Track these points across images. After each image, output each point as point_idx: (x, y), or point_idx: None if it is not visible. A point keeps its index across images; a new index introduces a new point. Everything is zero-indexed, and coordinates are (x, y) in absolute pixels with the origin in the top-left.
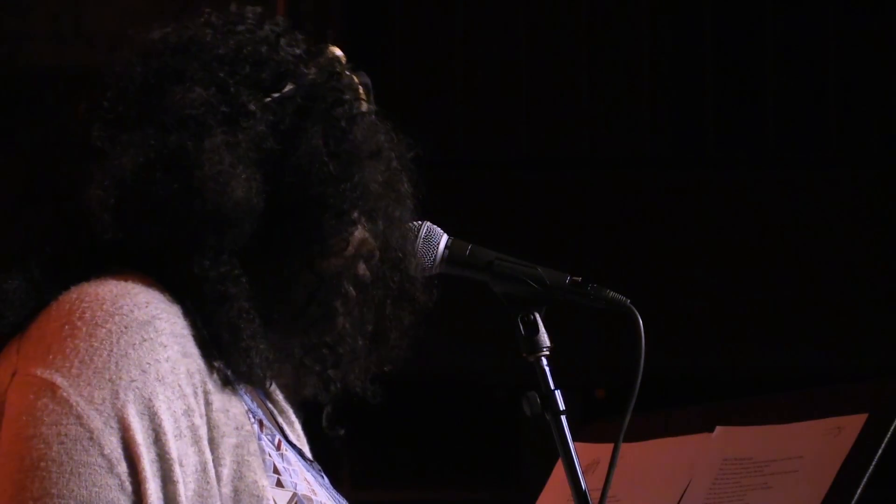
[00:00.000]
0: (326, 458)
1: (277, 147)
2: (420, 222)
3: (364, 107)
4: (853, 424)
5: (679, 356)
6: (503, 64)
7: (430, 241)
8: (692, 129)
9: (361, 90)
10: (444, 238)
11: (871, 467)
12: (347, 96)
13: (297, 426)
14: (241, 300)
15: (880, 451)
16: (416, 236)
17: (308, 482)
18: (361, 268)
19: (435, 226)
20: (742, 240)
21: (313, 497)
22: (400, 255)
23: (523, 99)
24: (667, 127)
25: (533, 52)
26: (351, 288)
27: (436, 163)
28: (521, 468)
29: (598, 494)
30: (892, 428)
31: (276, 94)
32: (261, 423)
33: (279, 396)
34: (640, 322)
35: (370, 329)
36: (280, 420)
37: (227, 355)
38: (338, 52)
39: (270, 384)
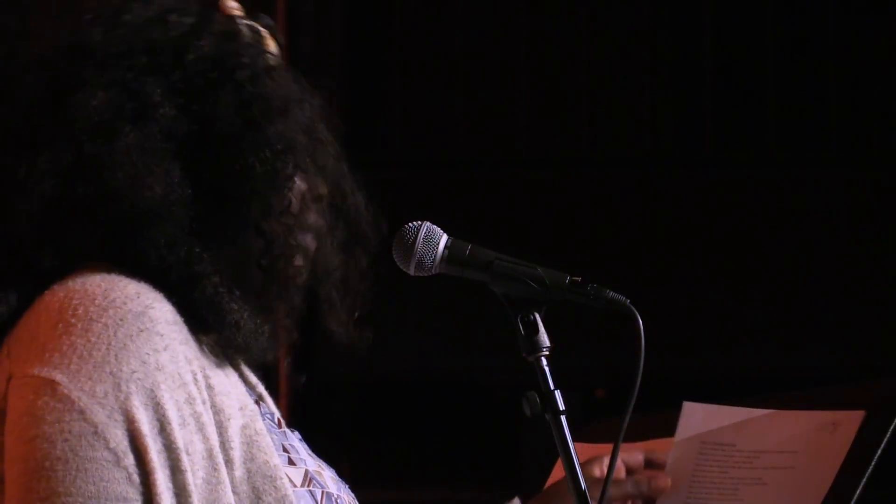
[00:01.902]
0: (326, 457)
1: (194, 128)
2: (420, 222)
3: (268, 61)
4: (849, 421)
5: (679, 356)
6: (503, 64)
7: (430, 241)
8: (692, 129)
9: (266, 34)
10: (444, 238)
11: (872, 467)
12: (246, 58)
13: (271, 401)
14: (210, 277)
15: (880, 451)
16: (415, 234)
17: (313, 458)
18: (313, 216)
19: (435, 226)
20: (742, 240)
21: (323, 472)
22: (339, 197)
23: (523, 99)
24: (667, 127)
25: (533, 52)
26: (309, 238)
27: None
28: (521, 468)
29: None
30: (892, 427)
31: (178, 74)
32: (258, 401)
33: (249, 373)
34: (640, 322)
35: (333, 275)
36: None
37: (217, 334)
38: (231, 3)
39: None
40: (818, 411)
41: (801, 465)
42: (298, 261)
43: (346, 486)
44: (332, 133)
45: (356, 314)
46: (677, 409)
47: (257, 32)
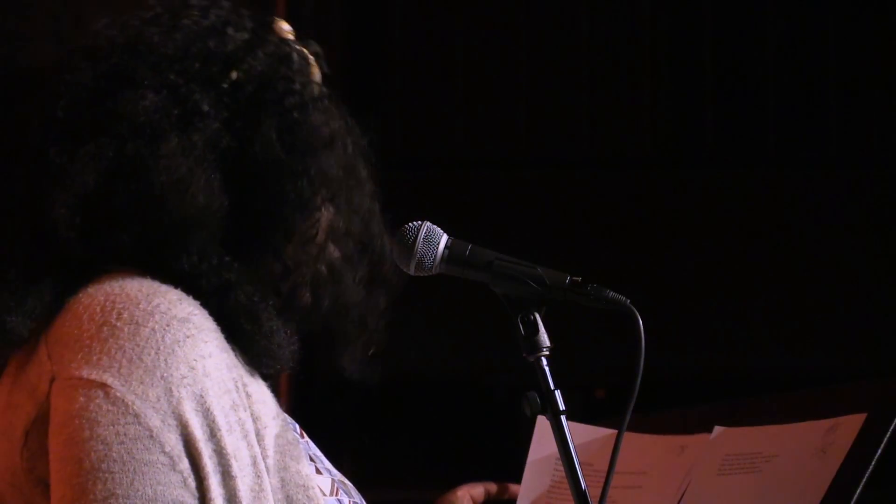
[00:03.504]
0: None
1: (234, 144)
2: (420, 222)
3: (316, 90)
4: (850, 423)
5: (679, 356)
6: (503, 64)
7: (430, 241)
8: (692, 129)
9: (313, 62)
10: (444, 238)
11: (871, 467)
12: (297, 84)
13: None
14: (243, 284)
15: (880, 451)
16: (416, 234)
17: (334, 468)
18: (333, 250)
19: (435, 226)
20: (742, 240)
21: (346, 482)
22: (367, 237)
23: (523, 99)
24: (667, 127)
25: (533, 52)
26: (324, 268)
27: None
28: (521, 468)
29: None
30: (892, 428)
31: (226, 87)
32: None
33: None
34: (640, 322)
35: (352, 311)
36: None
37: (251, 342)
38: (285, 26)
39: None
40: (826, 420)
41: (803, 467)
42: (313, 291)
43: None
44: (368, 172)
45: (369, 352)
46: (678, 410)
47: (305, 59)
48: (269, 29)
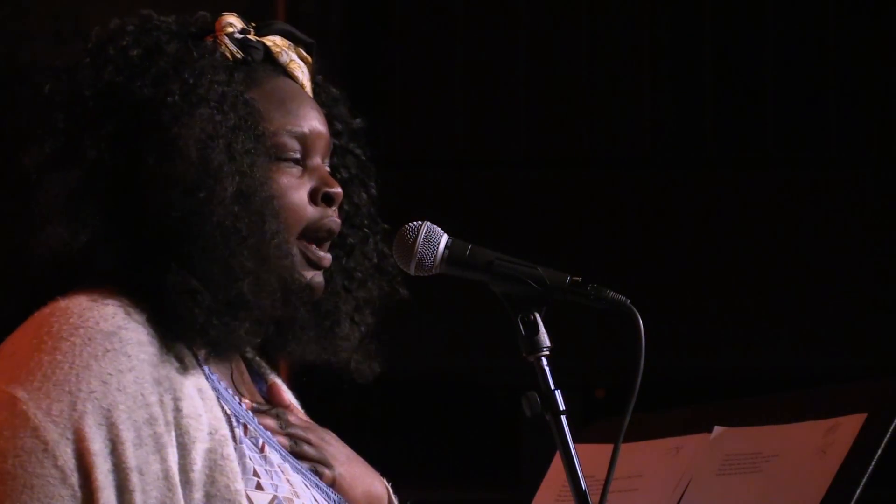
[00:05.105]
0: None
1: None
2: (420, 222)
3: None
4: (850, 423)
5: (680, 356)
6: (503, 64)
7: (430, 241)
8: (692, 129)
9: (281, 46)
10: (444, 238)
11: (871, 467)
12: (175, 96)
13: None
14: (191, 285)
15: (880, 451)
16: (416, 234)
17: (291, 484)
18: (237, 220)
19: (435, 226)
20: (742, 240)
21: (295, 499)
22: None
23: (523, 99)
24: (667, 127)
25: (533, 52)
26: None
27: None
28: (521, 468)
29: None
30: (892, 428)
31: (102, 125)
32: (245, 427)
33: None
34: (640, 322)
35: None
36: (273, 412)
37: (204, 334)
38: (227, 20)
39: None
40: (827, 420)
41: (803, 467)
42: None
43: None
44: (255, 134)
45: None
46: (677, 409)
47: (252, 51)
48: (199, 34)
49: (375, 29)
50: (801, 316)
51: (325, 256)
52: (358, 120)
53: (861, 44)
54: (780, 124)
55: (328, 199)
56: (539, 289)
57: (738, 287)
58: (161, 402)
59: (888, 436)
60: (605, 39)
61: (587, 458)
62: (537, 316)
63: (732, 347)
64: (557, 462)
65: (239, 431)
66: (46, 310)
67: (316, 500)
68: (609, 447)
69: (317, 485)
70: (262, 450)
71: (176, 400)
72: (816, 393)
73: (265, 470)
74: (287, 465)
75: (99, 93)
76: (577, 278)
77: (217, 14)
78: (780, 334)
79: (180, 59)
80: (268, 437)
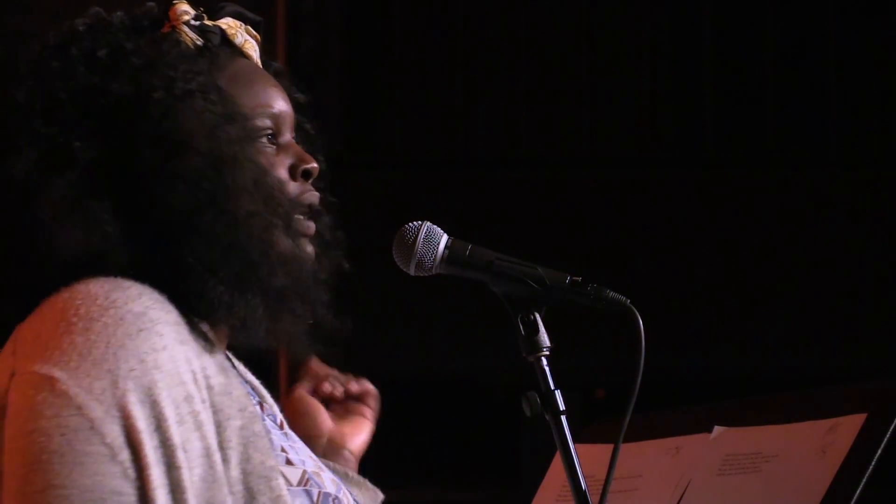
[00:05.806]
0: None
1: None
2: (420, 222)
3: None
4: (850, 423)
5: (679, 356)
6: (503, 64)
7: (430, 241)
8: (692, 129)
9: (235, 32)
10: (444, 238)
11: (871, 467)
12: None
13: (274, 403)
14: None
15: (880, 451)
16: (416, 234)
17: (313, 459)
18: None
19: (435, 226)
20: (742, 240)
21: (322, 473)
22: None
23: (523, 99)
24: (667, 127)
25: (533, 52)
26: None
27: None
28: (521, 468)
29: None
30: (892, 428)
31: (86, 126)
32: (261, 404)
33: (252, 378)
34: (640, 322)
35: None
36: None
37: (220, 321)
38: (180, 9)
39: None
40: (827, 420)
41: (803, 467)
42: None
43: (346, 489)
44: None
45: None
46: (677, 410)
47: (210, 36)
48: (154, 26)
49: (375, 29)
50: (801, 316)
51: (311, 225)
52: (300, 95)
53: (861, 44)
54: (780, 124)
55: (306, 174)
56: (539, 289)
57: (737, 287)
58: (195, 379)
59: (888, 436)
60: (604, 39)
61: (587, 458)
62: (537, 316)
63: (732, 347)
64: (557, 462)
65: (258, 408)
66: (65, 294)
67: (333, 480)
68: (609, 447)
69: (326, 465)
70: (281, 426)
71: (207, 378)
72: (816, 393)
73: (290, 445)
74: (303, 446)
75: (75, 95)
76: (577, 278)
77: (169, 3)
78: (779, 334)
79: (152, 54)
80: (281, 416)
